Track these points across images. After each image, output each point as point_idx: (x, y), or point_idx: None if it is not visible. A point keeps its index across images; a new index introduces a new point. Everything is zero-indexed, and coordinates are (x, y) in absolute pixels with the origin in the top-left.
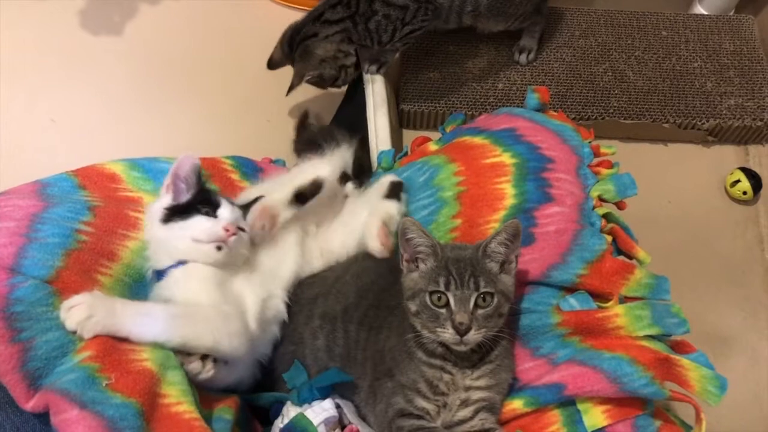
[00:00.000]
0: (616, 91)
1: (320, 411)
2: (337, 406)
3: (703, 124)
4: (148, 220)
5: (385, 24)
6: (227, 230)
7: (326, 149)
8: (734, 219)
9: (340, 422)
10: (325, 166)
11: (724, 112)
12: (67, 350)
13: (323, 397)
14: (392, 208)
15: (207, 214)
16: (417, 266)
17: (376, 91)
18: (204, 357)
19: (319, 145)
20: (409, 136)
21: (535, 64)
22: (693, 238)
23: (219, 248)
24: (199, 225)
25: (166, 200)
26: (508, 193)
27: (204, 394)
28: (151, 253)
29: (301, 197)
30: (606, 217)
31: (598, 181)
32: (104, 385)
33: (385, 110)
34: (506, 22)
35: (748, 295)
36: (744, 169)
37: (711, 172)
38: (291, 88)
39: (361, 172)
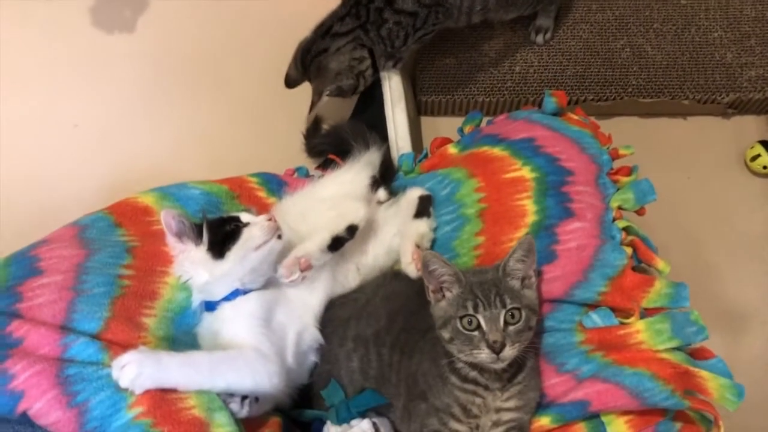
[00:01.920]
0: (634, 68)
1: None
2: (374, 425)
3: (723, 98)
4: (194, 269)
5: (396, 30)
6: (270, 219)
7: (355, 152)
8: (754, 193)
9: None
10: (362, 206)
11: (744, 84)
12: (119, 406)
13: (361, 416)
14: (423, 227)
15: (242, 226)
16: (443, 295)
17: (393, 87)
18: (243, 397)
19: (349, 144)
20: (428, 123)
21: (551, 43)
22: (712, 213)
23: (279, 236)
24: (250, 234)
25: (192, 247)
26: (529, 209)
27: (247, 419)
28: (210, 289)
29: (337, 244)
30: (626, 229)
31: (617, 190)
32: None
33: (403, 106)
34: (518, 11)
35: (767, 271)
36: (764, 143)
37: (731, 145)
38: (312, 106)
39: (387, 173)
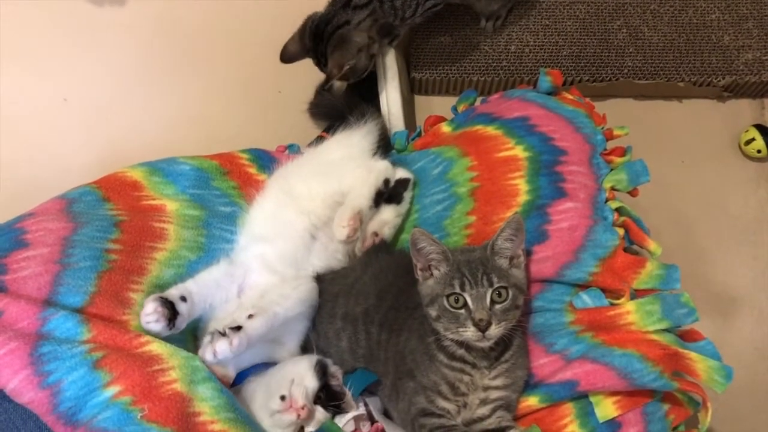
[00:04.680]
0: (630, 50)
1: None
2: (365, 404)
3: (719, 81)
4: None
5: (410, 0)
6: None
7: (352, 122)
8: (748, 177)
9: (370, 418)
10: (388, 162)
11: (740, 67)
12: (94, 386)
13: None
14: (388, 213)
15: None
16: (431, 273)
17: (387, 65)
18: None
19: (346, 118)
20: (421, 102)
21: (548, 23)
22: (705, 196)
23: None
24: None
25: None
26: (522, 189)
27: None
28: None
29: (379, 198)
30: (618, 210)
31: (611, 171)
32: (139, 417)
33: (397, 83)
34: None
35: (757, 255)
36: (759, 127)
37: (725, 128)
38: (328, 80)
39: (383, 145)
